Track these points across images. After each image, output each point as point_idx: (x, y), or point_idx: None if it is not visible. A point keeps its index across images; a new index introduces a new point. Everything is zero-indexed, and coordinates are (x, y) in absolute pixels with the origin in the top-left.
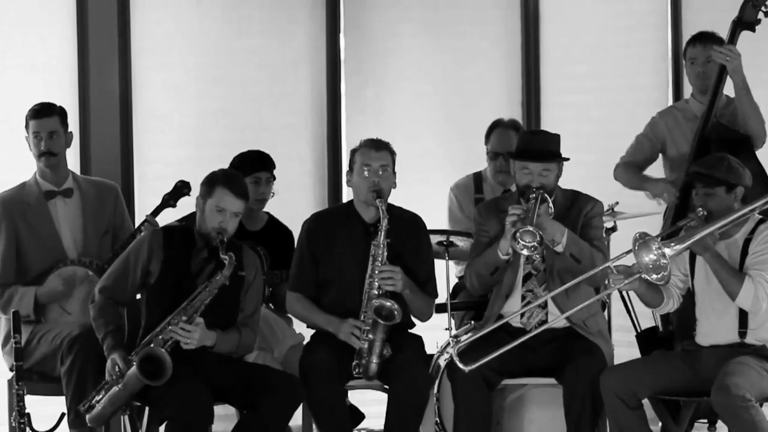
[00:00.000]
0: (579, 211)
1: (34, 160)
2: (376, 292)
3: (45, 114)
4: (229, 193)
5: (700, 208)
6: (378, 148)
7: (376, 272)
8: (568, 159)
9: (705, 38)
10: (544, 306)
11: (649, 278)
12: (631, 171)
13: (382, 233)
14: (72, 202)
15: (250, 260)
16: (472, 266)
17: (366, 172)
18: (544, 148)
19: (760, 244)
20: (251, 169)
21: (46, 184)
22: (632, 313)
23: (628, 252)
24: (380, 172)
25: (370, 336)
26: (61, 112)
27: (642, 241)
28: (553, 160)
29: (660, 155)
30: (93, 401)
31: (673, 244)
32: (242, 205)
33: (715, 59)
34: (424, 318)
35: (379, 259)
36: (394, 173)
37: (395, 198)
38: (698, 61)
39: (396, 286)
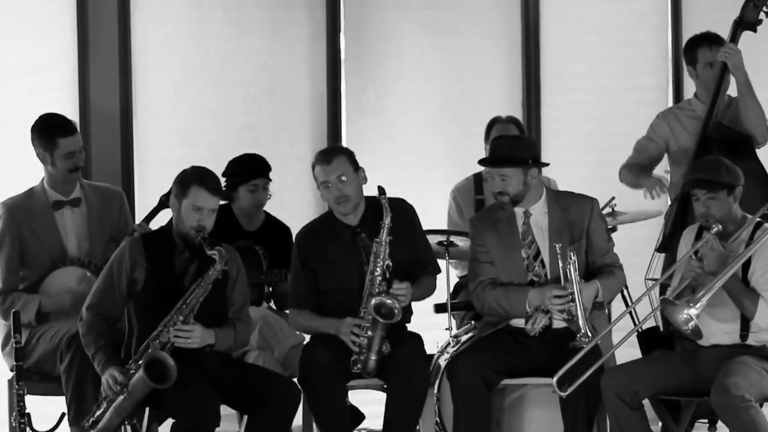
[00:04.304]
0: (580, 214)
1: (34, 161)
2: (377, 290)
3: (73, 131)
4: (203, 191)
5: (715, 226)
6: (328, 160)
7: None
8: (528, 164)
9: (719, 40)
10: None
11: (683, 331)
12: (633, 170)
13: (385, 231)
14: (78, 212)
15: (232, 255)
16: (486, 294)
17: (325, 189)
18: (505, 153)
19: (765, 259)
20: (249, 177)
21: (54, 193)
22: (632, 313)
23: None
24: (339, 184)
25: (370, 333)
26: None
27: (671, 306)
28: (506, 166)
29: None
30: (96, 416)
31: (698, 304)
32: (218, 202)
33: (717, 58)
34: (429, 295)
35: (381, 256)
36: (358, 169)
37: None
38: (716, 64)
39: (405, 301)
